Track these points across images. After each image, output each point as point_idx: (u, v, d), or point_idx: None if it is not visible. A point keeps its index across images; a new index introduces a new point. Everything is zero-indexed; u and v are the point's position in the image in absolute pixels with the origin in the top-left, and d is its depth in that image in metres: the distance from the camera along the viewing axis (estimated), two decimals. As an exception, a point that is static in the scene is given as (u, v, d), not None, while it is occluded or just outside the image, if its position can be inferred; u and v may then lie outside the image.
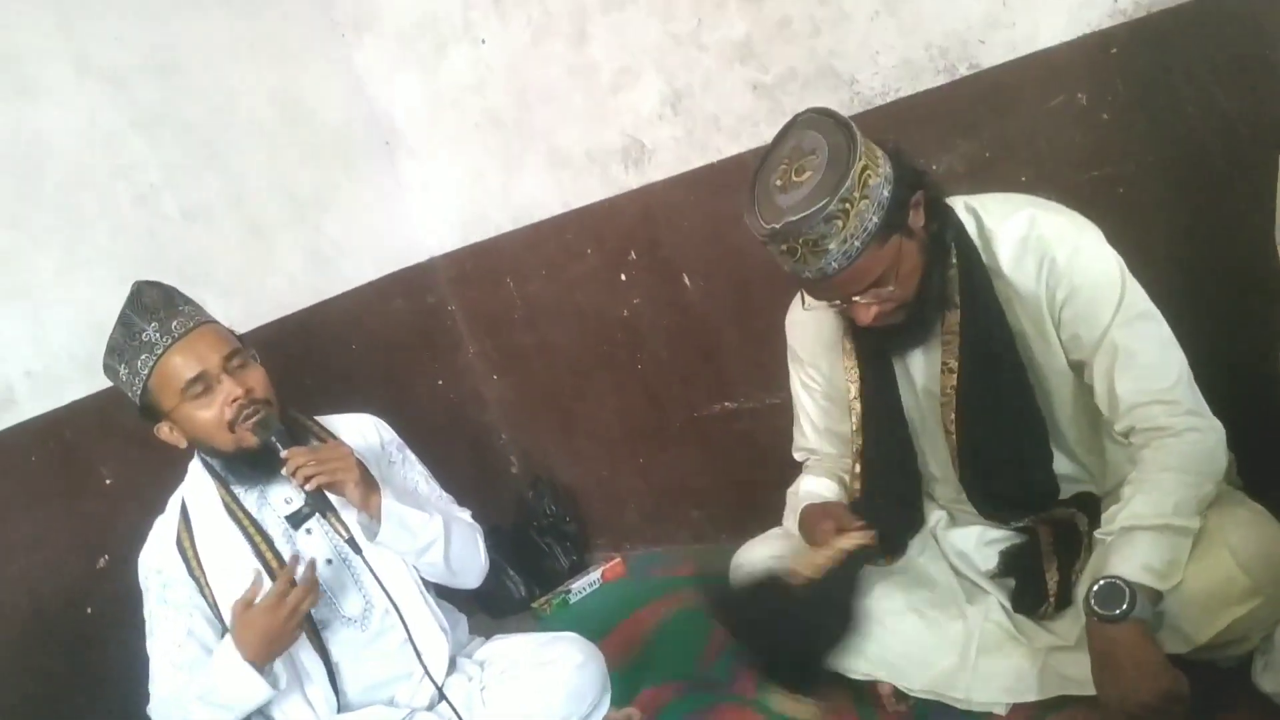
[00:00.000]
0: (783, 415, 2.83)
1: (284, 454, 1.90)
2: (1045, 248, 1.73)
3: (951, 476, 1.95)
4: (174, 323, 1.94)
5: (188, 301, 2.02)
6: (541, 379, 3.34)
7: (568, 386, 3.29)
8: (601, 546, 3.42)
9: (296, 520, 1.93)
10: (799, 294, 1.99)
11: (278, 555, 2.00)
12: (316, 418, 2.19)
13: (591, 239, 3.04)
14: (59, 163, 2.52)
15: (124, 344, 1.95)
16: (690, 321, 2.95)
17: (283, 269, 2.97)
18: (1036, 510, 1.90)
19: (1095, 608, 1.56)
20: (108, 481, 2.48)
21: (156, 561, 2.03)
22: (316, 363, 2.94)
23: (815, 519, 1.93)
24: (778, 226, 1.62)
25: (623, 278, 3.02)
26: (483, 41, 3.03)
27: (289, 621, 1.83)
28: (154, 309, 1.95)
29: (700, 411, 3.04)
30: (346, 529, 1.96)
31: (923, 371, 1.90)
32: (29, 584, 2.31)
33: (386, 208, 3.30)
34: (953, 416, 1.85)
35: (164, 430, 1.99)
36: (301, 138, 3.10)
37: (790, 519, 2.09)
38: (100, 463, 2.47)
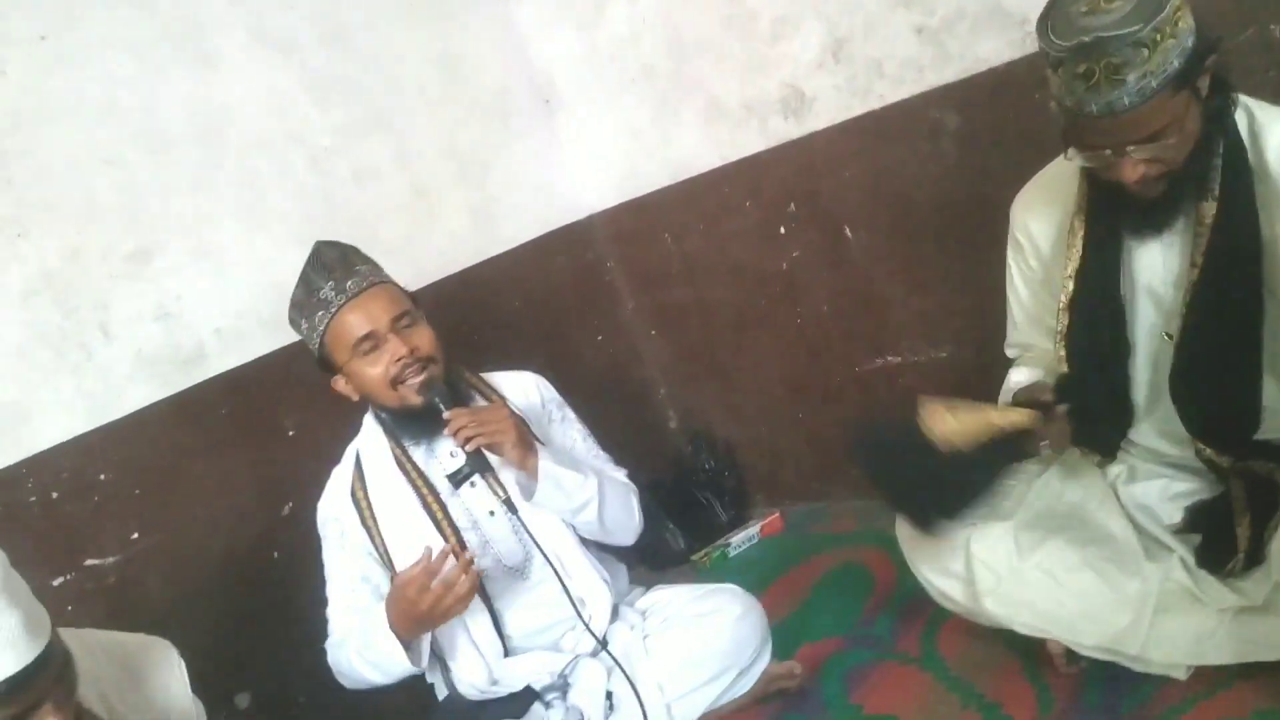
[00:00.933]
0: (948, 370, 2.79)
1: (446, 414, 1.97)
2: None
3: (1144, 395, 1.86)
4: (349, 282, 2.03)
5: (365, 260, 2.11)
6: (699, 334, 3.34)
7: (726, 342, 3.28)
8: (760, 502, 3.41)
9: (456, 479, 2.00)
10: (1040, 174, 1.94)
11: (444, 508, 2.09)
12: (481, 374, 2.25)
13: (749, 192, 3.01)
14: (239, 129, 2.64)
15: (304, 299, 2.06)
16: (851, 274, 2.89)
17: (446, 228, 3.05)
18: (1233, 441, 1.79)
19: None
20: (290, 433, 2.60)
21: (333, 510, 2.14)
22: (479, 320, 3.01)
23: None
24: (1086, 40, 1.54)
25: (781, 231, 2.98)
26: (640, -6, 3.01)
27: (433, 610, 1.85)
28: (331, 268, 2.05)
29: (861, 366, 2.98)
30: (503, 489, 2.01)
31: (1154, 270, 1.80)
32: (221, 528, 2.46)
33: (546, 166, 3.34)
34: (1181, 315, 1.76)
35: (339, 383, 2.09)
36: (463, 98, 3.16)
37: None
38: (283, 415, 2.60)
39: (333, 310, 2.02)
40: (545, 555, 2.02)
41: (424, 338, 2.05)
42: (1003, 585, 1.90)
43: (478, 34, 3.25)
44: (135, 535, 2.33)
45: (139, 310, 2.42)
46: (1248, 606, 1.71)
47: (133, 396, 2.37)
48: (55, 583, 2.19)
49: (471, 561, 1.87)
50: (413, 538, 2.04)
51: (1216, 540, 1.79)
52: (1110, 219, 1.77)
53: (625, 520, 2.20)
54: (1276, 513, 1.72)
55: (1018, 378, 2.03)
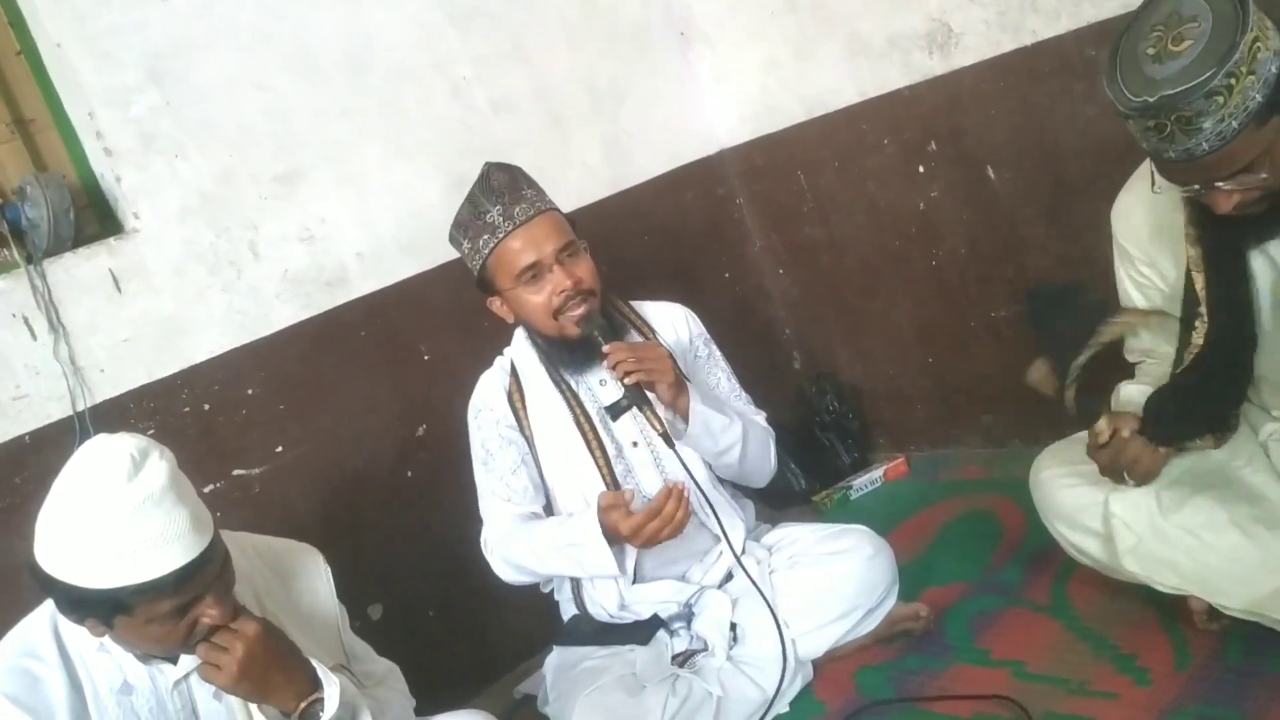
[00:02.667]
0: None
1: (606, 348, 1.99)
2: None
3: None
4: (517, 209, 2.04)
5: (531, 185, 2.11)
6: (829, 275, 3.29)
7: (856, 283, 3.23)
8: (885, 446, 3.37)
9: (615, 411, 2.01)
10: (1134, 180, 1.86)
11: (595, 431, 2.13)
12: (632, 303, 2.27)
13: (889, 129, 2.93)
14: (384, 58, 2.69)
15: (470, 221, 2.08)
16: (993, 216, 2.81)
17: (581, 160, 3.06)
18: None
19: None
20: (425, 357, 2.67)
21: (490, 402, 2.19)
22: (611, 253, 2.98)
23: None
24: (1150, 100, 1.49)
25: (920, 170, 2.90)
26: (783, -75, 2.95)
27: (663, 532, 1.90)
28: (500, 192, 2.06)
29: (998, 312, 2.91)
30: (661, 423, 2.02)
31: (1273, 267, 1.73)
32: (360, 445, 2.55)
33: (680, 100, 3.31)
34: None
35: (496, 304, 2.14)
36: (600, 30, 3.14)
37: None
38: (419, 340, 2.67)
39: (499, 236, 2.04)
40: (696, 482, 2.04)
41: (586, 269, 2.08)
42: (1144, 544, 1.84)
43: (616, -35, 3.23)
44: (279, 449, 2.43)
45: (285, 231, 2.50)
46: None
47: (279, 315, 2.47)
48: (206, 490, 2.30)
49: (683, 491, 1.91)
50: (564, 454, 2.12)
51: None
52: (1222, 229, 1.69)
53: (762, 465, 2.22)
54: None
55: (1128, 393, 1.97)
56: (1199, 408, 1.79)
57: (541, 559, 2.06)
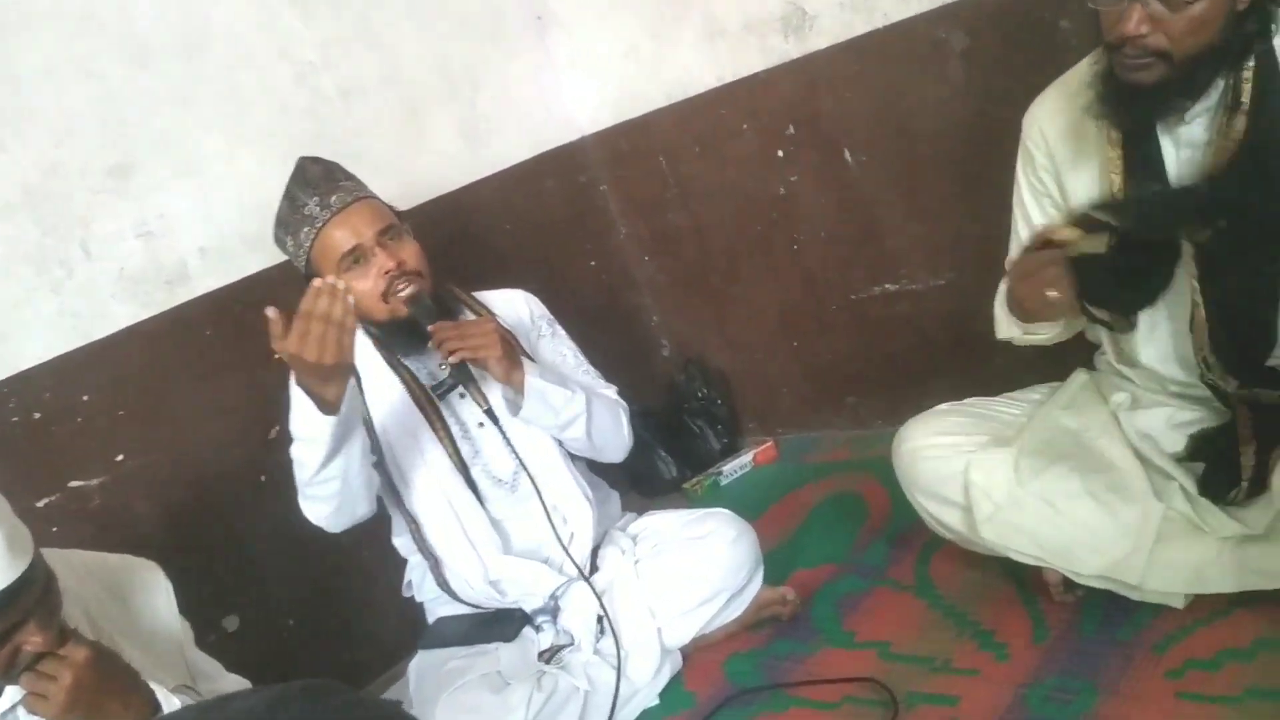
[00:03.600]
0: (947, 298, 2.75)
1: (430, 327, 1.96)
2: None
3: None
4: (333, 197, 2.01)
5: (348, 176, 2.09)
6: (694, 261, 3.28)
7: (721, 268, 3.23)
8: (754, 430, 3.38)
9: (439, 391, 2.00)
10: (1050, 89, 1.88)
11: (438, 412, 2.10)
12: (472, 293, 2.24)
13: (747, 114, 2.93)
14: (222, 43, 2.55)
15: (289, 217, 2.04)
16: (851, 199, 2.83)
17: (436, 147, 2.97)
18: (1244, 364, 1.73)
19: None
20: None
21: None
22: (470, 243, 2.95)
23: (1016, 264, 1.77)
24: None
25: (780, 154, 2.91)
26: (636, -94, 2.91)
27: (321, 346, 1.75)
28: (315, 183, 2.03)
29: (859, 294, 2.94)
30: (485, 400, 1.99)
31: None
32: (208, 451, 2.43)
33: (539, 85, 3.25)
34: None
35: None
36: (452, 12, 3.05)
37: (1001, 317, 1.93)
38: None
39: (318, 225, 2.00)
40: (526, 469, 2.03)
41: (410, 251, 2.04)
42: (1001, 512, 1.88)
43: (468, -55, 3.15)
44: (120, 457, 2.30)
45: (120, 228, 2.37)
46: (1249, 535, 1.69)
47: (116, 316, 2.34)
48: (40, 504, 2.17)
49: (335, 286, 1.76)
50: (408, 438, 2.09)
51: (1219, 469, 1.76)
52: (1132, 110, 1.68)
53: (614, 437, 2.20)
54: (1281, 440, 1.69)
55: None
56: (1114, 281, 1.76)
57: (295, 455, 1.96)
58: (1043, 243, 1.72)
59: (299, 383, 1.85)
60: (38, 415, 2.21)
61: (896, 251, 2.81)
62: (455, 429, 2.12)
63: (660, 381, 3.44)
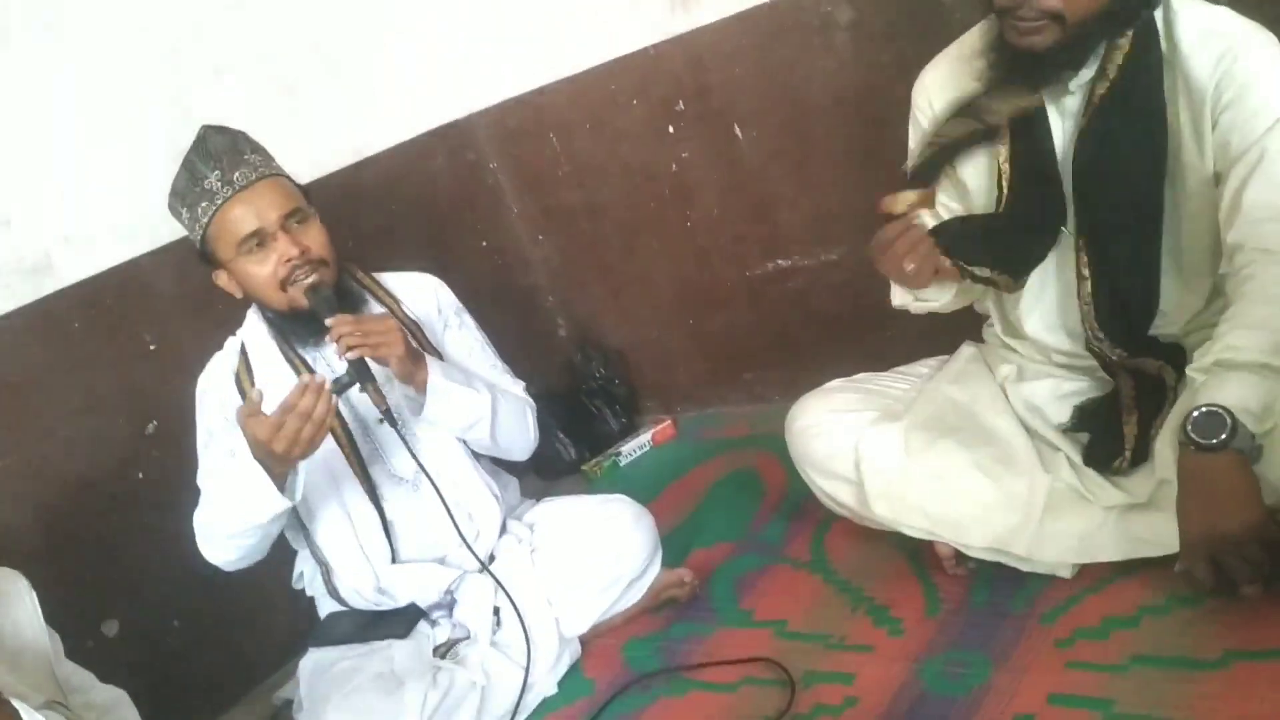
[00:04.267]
0: (839, 272, 2.76)
1: (329, 321, 1.86)
2: (1229, 43, 1.59)
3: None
4: (236, 173, 1.89)
5: (255, 149, 1.96)
6: (588, 239, 3.24)
7: (616, 246, 3.19)
8: (652, 409, 3.36)
9: (338, 387, 1.88)
10: (938, 58, 1.89)
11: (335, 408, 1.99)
12: (377, 274, 2.15)
13: (637, 89, 2.89)
14: (79, 18, 2.42)
15: (187, 188, 1.91)
16: (742, 175, 2.81)
17: (316, 127, 2.87)
18: (1127, 334, 1.77)
19: (1193, 435, 1.48)
20: (152, 347, 2.46)
21: (213, 386, 2.05)
22: (358, 224, 2.85)
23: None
24: None
25: (670, 130, 2.88)
26: (518, -124, 2.84)
27: (292, 443, 1.73)
28: (218, 156, 1.90)
29: (752, 270, 2.93)
30: (384, 400, 1.89)
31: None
32: (81, 449, 2.33)
33: (423, 61, 3.16)
34: (1072, 198, 1.73)
35: (221, 278, 1.98)
36: (333, -14, 2.95)
37: (895, 287, 1.94)
38: (143, 329, 2.45)
39: (218, 203, 1.88)
40: (427, 474, 1.95)
41: (315, 237, 1.94)
42: (892, 487, 1.90)
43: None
44: (-16, 458, 2.18)
45: (-26, 217, 2.23)
46: (1133, 504, 1.72)
47: (-26, 308, 2.21)
48: (-107, 510, 2.05)
49: (324, 386, 1.75)
50: None
51: (1104, 438, 1.79)
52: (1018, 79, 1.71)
53: (519, 437, 2.14)
54: (1162, 410, 1.72)
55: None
56: (999, 240, 1.79)
57: (217, 523, 1.89)
58: (888, 214, 1.74)
59: (255, 457, 1.76)
60: (-111, 415, 2.09)
61: (789, 227, 2.81)
62: (354, 426, 2.04)
63: (557, 362, 3.40)
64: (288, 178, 1.99)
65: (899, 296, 1.95)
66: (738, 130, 2.76)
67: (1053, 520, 1.77)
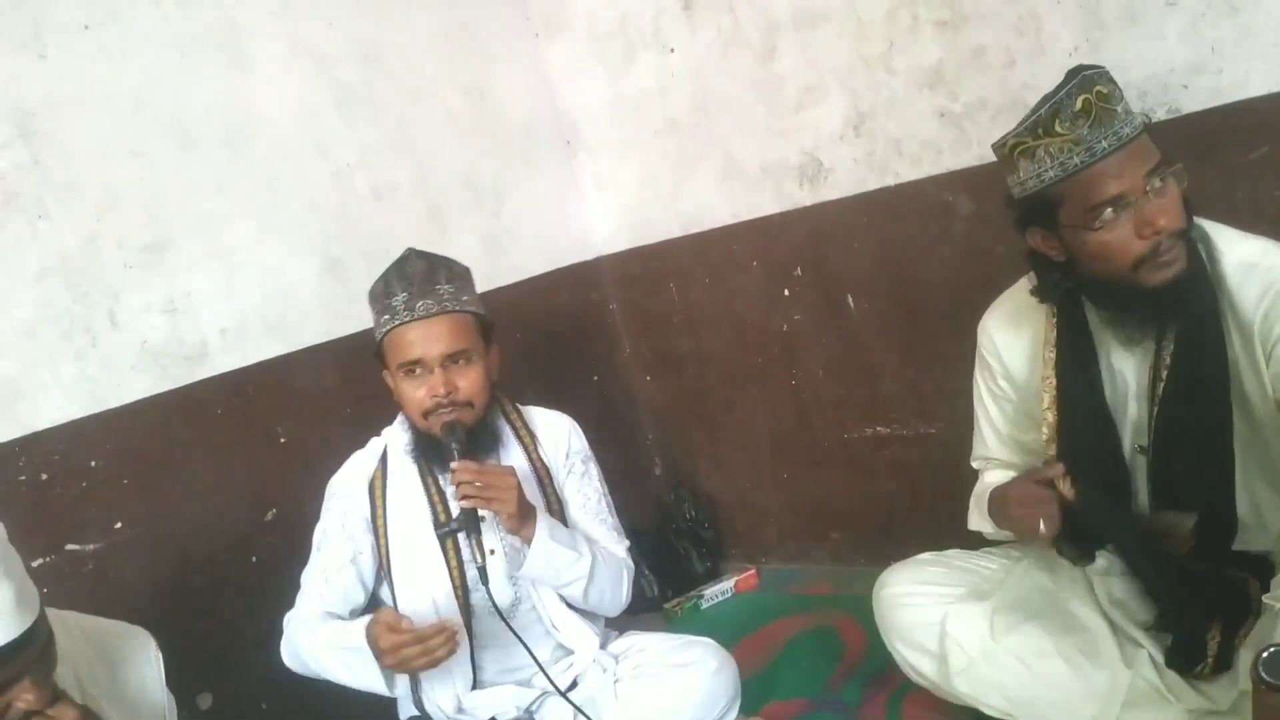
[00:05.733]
0: (936, 446, 2.83)
1: (453, 465, 1.95)
2: (1274, 278, 1.66)
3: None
4: (420, 302, 2.03)
5: (453, 280, 2.10)
6: (693, 385, 3.37)
7: (719, 395, 3.32)
8: (737, 557, 3.42)
9: (445, 533, 1.99)
10: (1002, 298, 2.01)
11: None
12: (520, 406, 2.27)
13: (758, 251, 3.06)
14: (265, 135, 2.67)
15: (379, 296, 2.08)
16: (850, 343, 2.94)
17: (458, 253, 3.03)
18: (1210, 551, 1.80)
19: (1264, 675, 1.50)
20: (282, 440, 2.61)
21: (347, 489, 2.15)
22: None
23: (1015, 487, 1.84)
24: (1074, 74, 1.66)
25: (785, 293, 3.03)
26: (671, 50, 3.08)
27: (403, 666, 1.83)
28: (411, 279, 2.05)
29: (851, 433, 3.02)
30: (483, 557, 1.97)
31: (1126, 385, 1.84)
32: (205, 526, 2.45)
33: (561, 204, 3.39)
34: (1152, 429, 1.79)
35: (386, 378, 2.12)
36: (487, 129, 3.21)
37: (976, 515, 2.03)
38: (277, 421, 2.61)
39: (396, 322, 2.03)
40: (540, 614, 2.07)
41: (470, 380, 2.05)
42: (974, 666, 1.93)
43: (508, 69, 3.32)
44: (119, 525, 2.33)
45: (148, 302, 2.43)
46: (1213, 710, 1.73)
47: (133, 386, 2.38)
48: (35, 564, 2.18)
49: (455, 635, 1.84)
50: (418, 549, 2.08)
51: (1187, 643, 1.81)
52: (1087, 338, 1.82)
53: (610, 600, 2.18)
54: (1248, 620, 1.74)
55: (992, 478, 2.05)
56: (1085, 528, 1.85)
57: (317, 655, 1.98)
58: (1041, 478, 1.80)
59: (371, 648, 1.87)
60: (44, 476, 2.25)
61: (890, 396, 2.90)
62: (466, 553, 2.10)
63: (650, 500, 3.49)
64: (474, 314, 2.12)
65: (976, 523, 2.03)
66: (850, 300, 2.90)
67: (1132, 715, 1.79)
